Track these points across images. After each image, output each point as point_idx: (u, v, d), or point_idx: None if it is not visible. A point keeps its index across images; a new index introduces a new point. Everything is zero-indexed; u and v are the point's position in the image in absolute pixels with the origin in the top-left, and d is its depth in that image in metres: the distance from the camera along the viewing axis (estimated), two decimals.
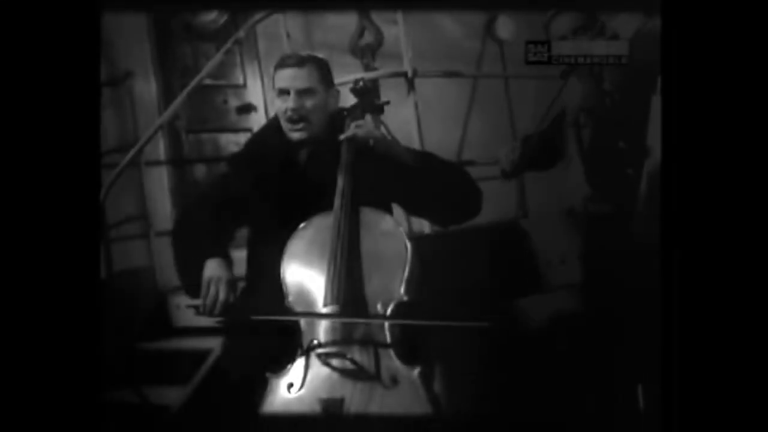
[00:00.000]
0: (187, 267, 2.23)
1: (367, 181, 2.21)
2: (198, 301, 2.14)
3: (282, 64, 2.26)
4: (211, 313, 2.12)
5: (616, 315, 2.80)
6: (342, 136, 2.23)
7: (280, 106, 2.26)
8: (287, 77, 2.24)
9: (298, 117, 2.24)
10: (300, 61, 2.25)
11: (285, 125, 2.27)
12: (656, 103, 2.66)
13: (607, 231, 2.88)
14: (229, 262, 2.20)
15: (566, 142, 2.97)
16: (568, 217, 3.07)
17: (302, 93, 2.23)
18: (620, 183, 2.85)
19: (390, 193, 2.24)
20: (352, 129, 2.22)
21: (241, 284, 2.38)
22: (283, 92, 2.24)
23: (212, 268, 2.15)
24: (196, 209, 2.39)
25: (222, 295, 2.12)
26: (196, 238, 2.26)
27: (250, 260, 2.34)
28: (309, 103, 2.24)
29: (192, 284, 2.17)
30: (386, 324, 2.05)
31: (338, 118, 2.32)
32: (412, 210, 2.36)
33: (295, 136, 2.26)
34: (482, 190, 2.28)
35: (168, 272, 3.48)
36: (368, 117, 2.33)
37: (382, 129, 3.25)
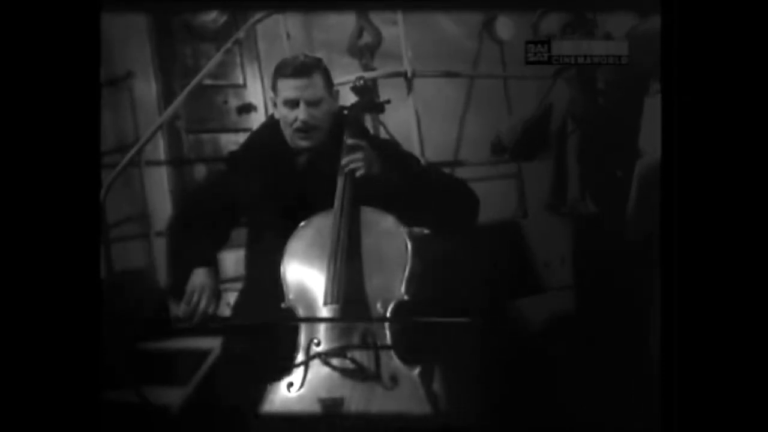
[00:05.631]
0: (177, 269, 2.22)
1: (366, 186, 2.18)
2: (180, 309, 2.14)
3: (286, 72, 2.21)
4: (190, 321, 2.12)
5: (612, 315, 2.81)
6: (343, 170, 2.15)
7: (287, 115, 2.21)
8: (295, 88, 2.19)
9: (308, 128, 2.21)
10: (305, 70, 2.19)
11: (291, 134, 2.23)
12: (650, 104, 2.67)
13: (596, 232, 2.88)
14: (216, 271, 2.19)
15: (551, 139, 2.97)
16: (549, 215, 3.07)
17: (312, 104, 2.20)
18: (608, 185, 2.86)
19: (388, 203, 2.20)
20: (349, 165, 2.15)
21: (236, 286, 2.38)
22: (291, 103, 2.20)
23: (199, 277, 2.15)
24: (192, 210, 2.37)
25: (203, 305, 2.12)
26: (190, 241, 2.25)
27: (249, 260, 2.33)
28: (319, 113, 2.21)
29: (178, 286, 2.17)
30: (386, 323, 2.06)
31: (339, 117, 2.31)
32: (410, 221, 2.23)
33: (302, 144, 2.23)
34: (482, 189, 2.28)
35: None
36: (361, 150, 2.19)
37: (381, 129, 3.24)
